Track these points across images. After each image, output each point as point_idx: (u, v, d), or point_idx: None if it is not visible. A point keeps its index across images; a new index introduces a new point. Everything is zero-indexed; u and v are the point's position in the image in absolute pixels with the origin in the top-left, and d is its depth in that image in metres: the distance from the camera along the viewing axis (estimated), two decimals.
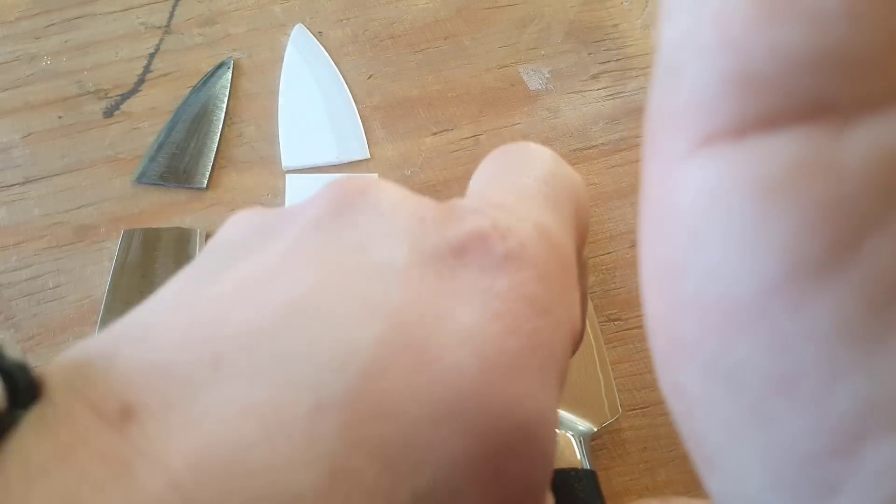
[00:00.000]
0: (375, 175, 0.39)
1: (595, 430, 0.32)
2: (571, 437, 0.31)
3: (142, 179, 0.40)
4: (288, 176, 0.40)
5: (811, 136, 0.11)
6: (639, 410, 0.33)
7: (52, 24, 0.44)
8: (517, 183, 0.18)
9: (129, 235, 0.38)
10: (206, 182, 0.40)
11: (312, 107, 0.41)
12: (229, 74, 0.42)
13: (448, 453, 0.12)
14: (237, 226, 0.17)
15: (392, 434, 0.12)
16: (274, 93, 0.42)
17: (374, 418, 0.12)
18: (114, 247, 0.37)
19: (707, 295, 0.12)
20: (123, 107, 0.42)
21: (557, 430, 0.23)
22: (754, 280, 0.11)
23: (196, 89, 0.42)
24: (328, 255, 0.15)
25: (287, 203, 0.39)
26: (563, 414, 0.32)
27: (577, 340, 0.17)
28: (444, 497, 0.12)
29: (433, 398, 0.13)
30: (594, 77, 0.43)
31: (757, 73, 0.11)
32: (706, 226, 0.12)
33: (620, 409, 0.33)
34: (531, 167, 0.18)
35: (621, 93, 0.42)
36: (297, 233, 0.15)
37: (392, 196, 0.16)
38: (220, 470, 0.11)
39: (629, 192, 0.39)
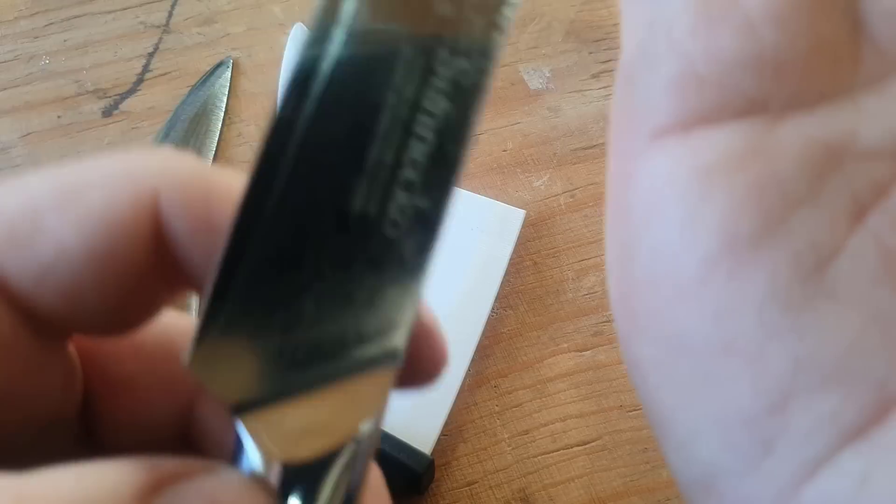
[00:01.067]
0: None
1: None
2: None
3: None
4: None
5: (746, 130, 0.13)
6: (639, 411, 0.33)
7: (51, 24, 0.44)
8: None
9: None
10: None
11: None
12: (228, 74, 0.42)
13: None
14: None
15: None
16: (273, 92, 0.42)
17: None
18: None
19: (656, 270, 0.13)
20: (122, 106, 0.42)
21: None
22: (696, 253, 0.13)
23: (195, 89, 0.42)
24: None
25: None
26: None
27: None
28: None
29: None
30: (595, 76, 0.43)
31: (698, 75, 0.13)
32: (655, 209, 0.13)
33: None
34: None
35: None
36: None
37: None
38: None
39: None
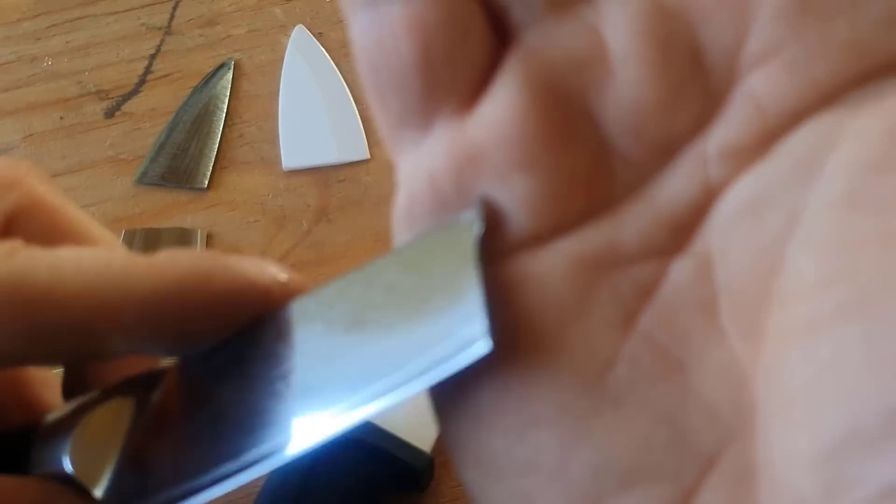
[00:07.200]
0: None
1: None
2: None
3: (143, 180, 0.40)
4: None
5: (513, 262, 0.14)
6: None
7: (54, 25, 0.44)
8: None
9: (129, 236, 0.38)
10: (206, 182, 0.40)
11: (313, 107, 0.42)
12: (230, 75, 0.42)
13: None
14: None
15: None
16: (275, 93, 0.42)
17: None
18: None
19: (461, 398, 0.14)
20: (124, 107, 0.42)
21: None
22: (488, 384, 0.14)
23: (197, 90, 0.42)
24: None
25: (288, 203, 0.39)
26: None
27: None
28: None
29: None
30: None
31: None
32: None
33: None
34: None
35: None
36: None
37: None
38: None
39: None
